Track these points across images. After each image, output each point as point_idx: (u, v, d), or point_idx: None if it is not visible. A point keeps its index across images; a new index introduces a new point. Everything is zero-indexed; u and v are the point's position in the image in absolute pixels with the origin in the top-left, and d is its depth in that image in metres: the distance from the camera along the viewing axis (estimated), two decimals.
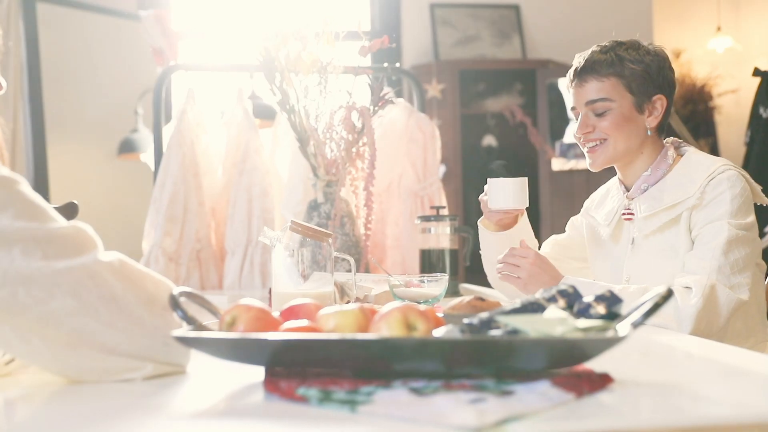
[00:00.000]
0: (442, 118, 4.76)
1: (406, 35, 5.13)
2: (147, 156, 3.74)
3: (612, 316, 1.04)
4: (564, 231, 2.12)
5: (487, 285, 2.23)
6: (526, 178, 1.88)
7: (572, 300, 1.10)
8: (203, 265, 2.79)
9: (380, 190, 2.88)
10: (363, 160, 2.38)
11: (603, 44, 1.85)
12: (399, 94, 3.12)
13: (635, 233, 1.84)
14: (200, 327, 1.07)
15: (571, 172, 4.68)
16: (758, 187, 1.79)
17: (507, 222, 1.97)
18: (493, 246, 1.99)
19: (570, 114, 1.96)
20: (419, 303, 1.77)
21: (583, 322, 0.98)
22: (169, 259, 2.71)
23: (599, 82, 1.81)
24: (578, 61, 1.86)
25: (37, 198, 1.04)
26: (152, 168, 2.89)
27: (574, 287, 1.11)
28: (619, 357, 1.15)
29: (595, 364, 1.04)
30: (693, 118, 5.75)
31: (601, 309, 1.05)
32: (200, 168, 2.80)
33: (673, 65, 1.91)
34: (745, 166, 3.84)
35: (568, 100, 1.89)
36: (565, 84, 1.90)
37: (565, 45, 5.15)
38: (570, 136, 4.78)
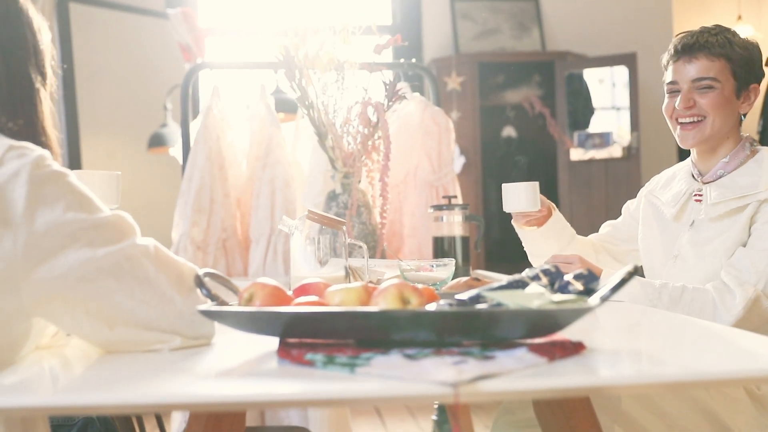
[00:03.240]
0: (461, 110, 4.88)
1: (426, 29, 5.25)
2: (175, 150, 3.90)
3: (588, 292, 1.17)
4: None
5: (499, 271, 2.36)
6: (537, 183, 2.02)
7: (554, 278, 1.23)
8: (229, 254, 2.93)
9: (397, 181, 3.01)
10: (378, 152, 2.51)
11: (707, 27, 1.89)
12: (419, 89, 3.23)
13: (699, 216, 1.88)
14: (222, 303, 1.20)
15: (589, 161, 4.77)
16: None
17: (540, 220, 2.09)
18: (535, 241, 2.14)
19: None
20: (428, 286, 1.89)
21: (558, 296, 1.10)
22: (197, 248, 2.86)
23: (710, 62, 1.85)
24: (684, 39, 1.88)
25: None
26: (180, 162, 3.04)
27: (556, 266, 1.23)
28: (598, 329, 1.27)
29: (575, 335, 1.16)
30: None
31: (579, 286, 1.18)
32: (225, 161, 2.94)
33: None
34: None
35: (668, 76, 1.92)
36: (664, 59, 1.92)
37: (584, 36, 5.24)
38: (592, 125, 4.87)
